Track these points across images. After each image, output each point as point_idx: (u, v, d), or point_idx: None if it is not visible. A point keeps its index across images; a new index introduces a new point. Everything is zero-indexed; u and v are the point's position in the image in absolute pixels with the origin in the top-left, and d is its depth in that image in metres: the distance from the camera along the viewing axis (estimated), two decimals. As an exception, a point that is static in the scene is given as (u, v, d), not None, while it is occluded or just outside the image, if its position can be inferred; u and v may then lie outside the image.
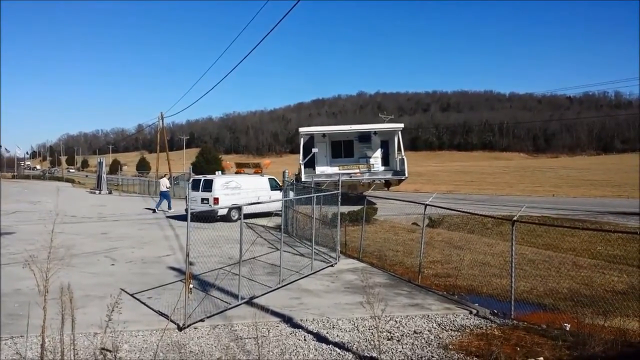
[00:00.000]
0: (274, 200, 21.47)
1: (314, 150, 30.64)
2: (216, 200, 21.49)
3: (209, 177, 23.13)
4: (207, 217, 18.68)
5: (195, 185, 22.92)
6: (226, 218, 21.39)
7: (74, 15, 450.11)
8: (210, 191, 21.93)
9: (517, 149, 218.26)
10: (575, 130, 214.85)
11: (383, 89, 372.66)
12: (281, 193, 21.29)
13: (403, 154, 31.84)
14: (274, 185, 24.12)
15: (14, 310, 8.73)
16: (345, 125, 39.08)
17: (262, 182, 23.82)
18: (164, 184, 29.15)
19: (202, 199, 21.98)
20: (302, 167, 30.15)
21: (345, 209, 17.49)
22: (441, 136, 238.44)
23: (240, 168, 28.94)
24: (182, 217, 22.76)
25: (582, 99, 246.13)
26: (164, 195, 28.42)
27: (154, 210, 27.68)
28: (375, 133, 32.76)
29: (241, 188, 22.52)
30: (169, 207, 27.73)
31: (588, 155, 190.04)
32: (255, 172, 26.57)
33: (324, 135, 32.42)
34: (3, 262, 13.00)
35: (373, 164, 32.30)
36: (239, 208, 18.40)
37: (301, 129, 33.14)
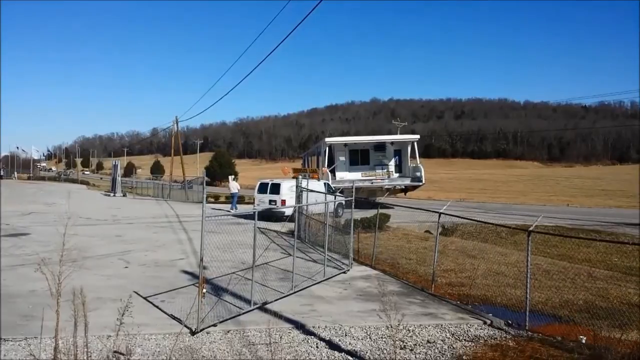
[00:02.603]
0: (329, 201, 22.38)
1: (341, 158, 34.19)
2: (284, 202, 23.45)
3: (276, 181, 25.49)
4: (275, 216, 21.06)
5: (263, 189, 25.66)
6: (292, 218, 22.50)
7: (90, 18, 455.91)
8: (278, 194, 24.37)
9: (531, 158, 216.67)
10: (590, 139, 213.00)
11: (397, 95, 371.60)
12: (334, 197, 22.17)
13: (418, 161, 34.51)
14: (329, 189, 25.80)
15: (28, 312, 8.79)
16: (361, 133, 44.19)
17: (320, 186, 25.21)
18: (235, 186, 32.37)
19: (270, 201, 24.58)
20: (330, 173, 32.51)
21: (359, 215, 17.46)
22: (455, 144, 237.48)
23: (297, 173, 30.43)
24: (248, 216, 23.28)
25: (598, 108, 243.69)
26: (234, 196, 31.63)
27: (229, 210, 29.36)
28: (392, 143, 35.68)
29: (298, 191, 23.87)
30: (234, 207, 30.45)
31: (603, 165, 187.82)
32: (312, 177, 28.37)
33: (345, 144, 35.40)
34: (17, 263, 13.15)
35: (392, 172, 35.05)
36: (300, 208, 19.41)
37: (327, 139, 35.86)
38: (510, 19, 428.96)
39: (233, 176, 38.19)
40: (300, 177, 23.05)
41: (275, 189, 24.79)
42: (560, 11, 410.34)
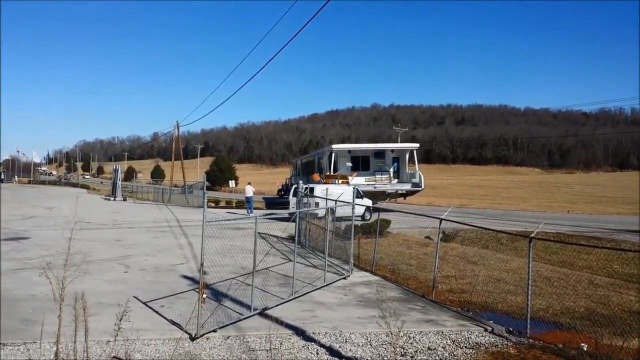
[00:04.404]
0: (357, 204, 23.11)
1: (348, 164, 36.29)
2: (317, 204, 24.58)
3: (310, 185, 27.59)
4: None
5: (297, 193, 26.63)
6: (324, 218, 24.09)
7: (92, 22, 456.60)
8: (312, 197, 25.78)
9: (531, 164, 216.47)
10: (590, 146, 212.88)
11: (397, 101, 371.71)
12: (362, 200, 22.59)
13: (417, 168, 36.70)
14: (357, 194, 26.43)
15: (28, 316, 8.76)
16: (362, 139, 47.34)
17: (350, 190, 25.98)
18: (250, 190, 33.68)
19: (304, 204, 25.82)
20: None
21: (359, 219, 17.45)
22: (455, 150, 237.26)
23: (328, 179, 31.49)
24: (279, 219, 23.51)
25: (598, 114, 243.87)
26: (250, 200, 32.76)
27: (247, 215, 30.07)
28: (392, 151, 38.00)
29: (334, 195, 24.60)
30: (250, 211, 31.59)
31: (603, 171, 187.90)
32: (342, 182, 29.85)
33: (349, 151, 37.65)
34: (18, 267, 13.12)
35: (391, 177, 37.08)
36: (332, 211, 20.42)
37: (333, 145, 37.90)
38: (511, 25, 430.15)
39: (235, 181, 39.33)
40: (300, 182, 23.34)
41: (309, 192, 26.39)
42: (561, 17, 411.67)
